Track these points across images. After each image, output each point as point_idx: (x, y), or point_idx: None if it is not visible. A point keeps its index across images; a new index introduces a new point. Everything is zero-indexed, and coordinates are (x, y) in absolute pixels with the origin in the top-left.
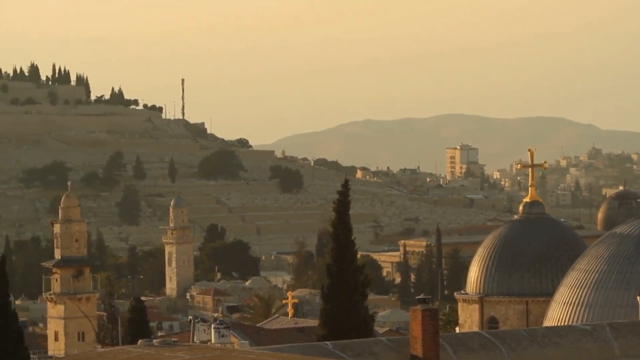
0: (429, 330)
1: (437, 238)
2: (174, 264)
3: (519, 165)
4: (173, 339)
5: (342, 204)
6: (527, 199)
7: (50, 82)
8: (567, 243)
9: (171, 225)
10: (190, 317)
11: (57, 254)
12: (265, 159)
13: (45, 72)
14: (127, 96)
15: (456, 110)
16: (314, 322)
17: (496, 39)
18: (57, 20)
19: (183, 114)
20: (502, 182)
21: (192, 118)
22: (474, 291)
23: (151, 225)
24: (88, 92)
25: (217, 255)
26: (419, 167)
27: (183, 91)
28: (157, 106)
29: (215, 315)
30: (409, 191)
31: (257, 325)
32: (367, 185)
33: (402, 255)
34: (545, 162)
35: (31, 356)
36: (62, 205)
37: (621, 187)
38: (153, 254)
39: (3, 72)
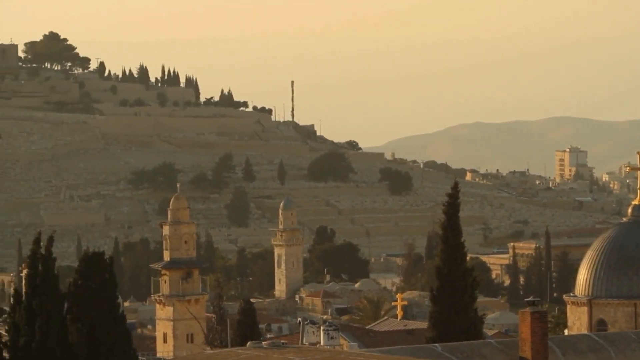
0: (538, 333)
1: (546, 240)
2: (283, 266)
3: (628, 167)
4: (282, 341)
5: (452, 206)
6: (635, 202)
7: (159, 84)
8: None
9: (280, 227)
10: (299, 319)
11: (166, 256)
12: (374, 161)
13: (154, 74)
14: (236, 98)
15: (565, 113)
16: (423, 324)
17: (605, 36)
18: (166, 22)
19: (293, 116)
20: (611, 185)
21: (302, 120)
22: (583, 293)
23: (260, 227)
24: (197, 94)
25: (327, 257)
26: (528, 170)
27: (293, 93)
28: (267, 108)
29: (325, 317)
30: (518, 193)
31: (366, 327)
32: (476, 188)
33: (511, 258)
34: None
35: (140, 358)
36: (171, 207)
37: None
38: (262, 255)
39: (112, 74)
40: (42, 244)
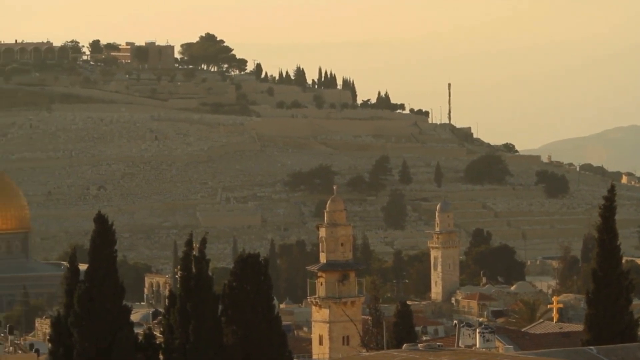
0: None
1: None
2: (439, 268)
3: None
4: (438, 343)
5: (608, 209)
6: None
7: (316, 86)
8: None
9: (437, 229)
10: (455, 321)
11: (322, 258)
12: (531, 164)
13: (311, 76)
14: (393, 100)
15: None
16: (578, 327)
17: None
18: (323, 24)
19: (449, 118)
20: None
21: (459, 122)
22: None
23: (417, 229)
24: (354, 96)
25: (483, 259)
26: None
27: (450, 95)
28: (424, 110)
29: (480, 319)
30: None
31: (522, 329)
32: (632, 191)
33: None
34: None
35: None
36: (327, 209)
37: None
38: (419, 258)
39: (269, 76)
40: (195, 245)
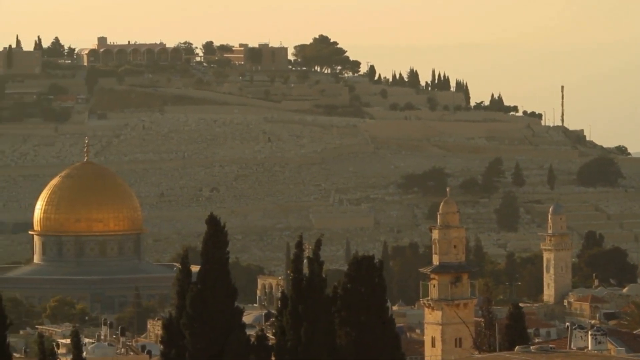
0: None
1: None
2: (552, 270)
3: None
4: (550, 346)
5: None
6: None
7: (429, 88)
8: None
9: (549, 232)
10: (567, 323)
11: (435, 260)
12: None
13: (424, 78)
14: (506, 102)
15: None
16: None
17: None
18: (436, 26)
19: (562, 120)
20: None
21: (572, 125)
22: None
23: (530, 232)
24: (467, 98)
25: (595, 262)
26: None
27: (562, 98)
28: (537, 113)
29: (592, 322)
30: None
31: (634, 332)
32: None
33: None
34: None
35: None
36: (440, 211)
37: None
38: (531, 260)
39: (383, 78)
40: (306, 247)
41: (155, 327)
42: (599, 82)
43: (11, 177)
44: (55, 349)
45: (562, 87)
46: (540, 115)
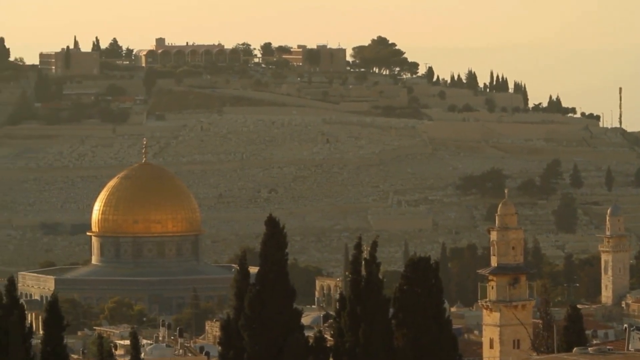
0: None
1: None
2: (610, 272)
3: None
4: (608, 347)
5: None
6: None
7: (487, 90)
8: None
9: (607, 233)
10: (625, 325)
11: (494, 262)
12: None
13: (482, 80)
14: (564, 104)
15: None
16: None
17: None
18: (494, 27)
19: (620, 122)
20: None
21: (630, 126)
22: None
23: (587, 233)
24: (525, 99)
25: None
26: None
27: (620, 99)
28: (595, 114)
29: None
30: None
31: None
32: None
33: None
34: None
35: None
36: (499, 212)
37: None
38: (589, 262)
39: (441, 79)
40: (365, 249)
41: (213, 329)
42: None
43: (69, 178)
44: (113, 350)
45: (620, 88)
46: (598, 117)
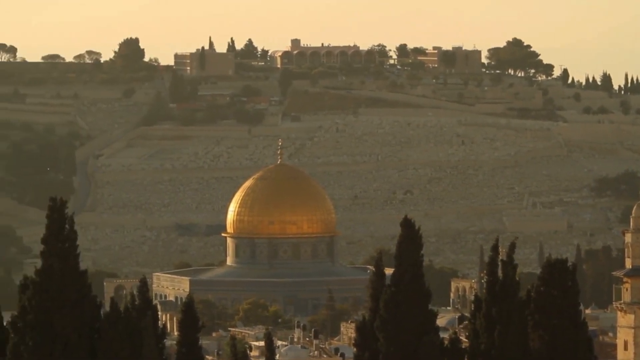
0: None
1: None
2: None
3: None
4: None
5: None
6: None
7: (622, 92)
8: None
9: None
10: None
11: (628, 264)
12: None
13: (617, 82)
14: None
15: None
16: None
17: None
18: (630, 30)
19: None
20: None
21: None
22: None
23: None
24: None
25: None
26: None
27: None
28: None
29: None
30: None
31: None
32: None
33: None
34: None
35: None
36: (633, 214)
37: None
38: None
39: (576, 81)
40: (501, 250)
41: (348, 330)
42: None
43: (204, 179)
44: (248, 351)
45: None
46: None
